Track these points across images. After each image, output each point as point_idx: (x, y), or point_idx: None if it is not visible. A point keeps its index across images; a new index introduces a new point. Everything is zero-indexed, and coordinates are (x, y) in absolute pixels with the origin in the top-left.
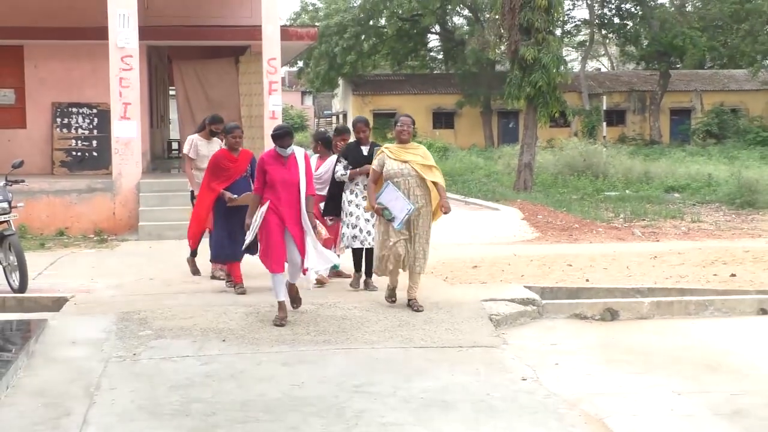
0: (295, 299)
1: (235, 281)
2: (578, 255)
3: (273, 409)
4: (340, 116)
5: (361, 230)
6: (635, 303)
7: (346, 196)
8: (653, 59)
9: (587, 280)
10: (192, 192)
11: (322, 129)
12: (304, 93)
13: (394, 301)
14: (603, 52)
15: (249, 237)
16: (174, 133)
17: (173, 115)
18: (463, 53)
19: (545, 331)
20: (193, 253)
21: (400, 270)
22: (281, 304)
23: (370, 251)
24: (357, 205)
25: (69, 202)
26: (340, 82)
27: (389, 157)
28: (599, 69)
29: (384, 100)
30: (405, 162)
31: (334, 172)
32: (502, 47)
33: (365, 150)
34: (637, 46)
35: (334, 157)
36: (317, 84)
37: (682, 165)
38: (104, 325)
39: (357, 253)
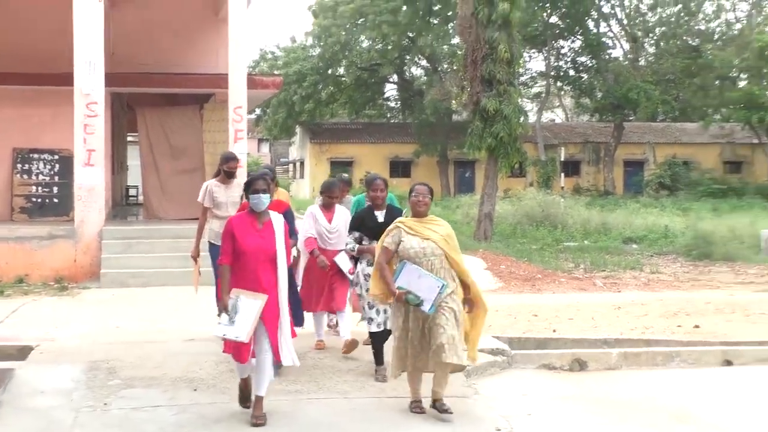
0: (254, 415)
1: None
2: (543, 305)
3: None
4: (297, 164)
5: (378, 311)
6: (603, 354)
7: (362, 267)
8: (607, 111)
9: (554, 331)
10: (210, 245)
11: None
12: (260, 140)
13: (420, 411)
14: (558, 104)
15: (237, 331)
16: (133, 180)
17: (131, 161)
18: (421, 103)
19: (515, 381)
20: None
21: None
22: (245, 383)
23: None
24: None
25: (29, 248)
26: (298, 130)
27: (407, 232)
28: (553, 120)
29: (341, 148)
30: (427, 239)
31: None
32: (464, 98)
33: (380, 216)
34: (592, 99)
35: (344, 210)
36: (275, 132)
37: (638, 216)
38: (72, 374)
39: (377, 339)
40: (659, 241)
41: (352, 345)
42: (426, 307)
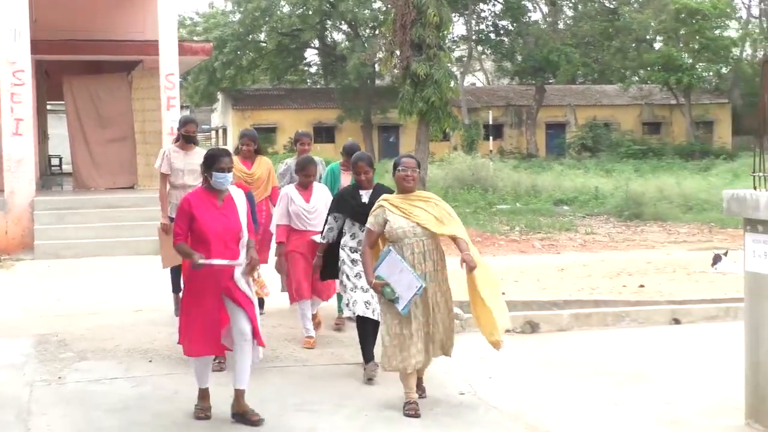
0: (252, 411)
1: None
2: None
3: (218, 430)
4: (220, 131)
5: (373, 295)
6: (555, 315)
7: (346, 253)
8: (528, 74)
9: (503, 294)
10: (170, 219)
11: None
12: (181, 107)
13: (416, 414)
14: (479, 68)
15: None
16: (54, 149)
17: (52, 130)
18: (344, 68)
19: (471, 344)
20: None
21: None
22: (203, 393)
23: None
24: (353, 261)
25: None
26: (220, 96)
27: (391, 211)
28: (474, 84)
29: (264, 114)
30: (415, 221)
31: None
32: (393, 63)
33: (365, 196)
34: (513, 62)
35: (324, 190)
36: (196, 99)
37: (566, 178)
38: (21, 348)
39: (364, 328)
40: (590, 203)
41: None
42: (400, 306)
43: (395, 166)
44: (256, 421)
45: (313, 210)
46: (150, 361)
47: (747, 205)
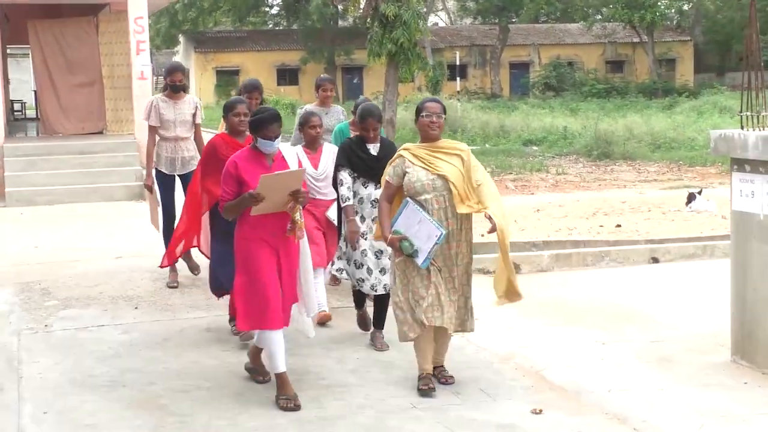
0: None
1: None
2: None
3: (212, 377)
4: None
5: (370, 270)
6: (535, 256)
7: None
8: (491, 14)
9: (482, 235)
10: (155, 174)
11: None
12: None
13: (430, 390)
14: (441, 7)
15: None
16: (20, 95)
17: (11, 75)
18: (306, 9)
19: None
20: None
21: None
22: (283, 379)
23: (384, 297)
24: (363, 234)
25: None
26: (181, 39)
27: (412, 162)
28: (437, 24)
29: (227, 57)
30: (438, 173)
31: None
32: (361, 4)
33: (373, 149)
34: (476, 1)
35: (333, 150)
36: (158, 42)
37: (534, 118)
38: (3, 297)
39: (360, 294)
40: (559, 143)
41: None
42: (420, 259)
43: (418, 111)
44: (293, 407)
45: (322, 177)
46: (136, 308)
47: (735, 145)
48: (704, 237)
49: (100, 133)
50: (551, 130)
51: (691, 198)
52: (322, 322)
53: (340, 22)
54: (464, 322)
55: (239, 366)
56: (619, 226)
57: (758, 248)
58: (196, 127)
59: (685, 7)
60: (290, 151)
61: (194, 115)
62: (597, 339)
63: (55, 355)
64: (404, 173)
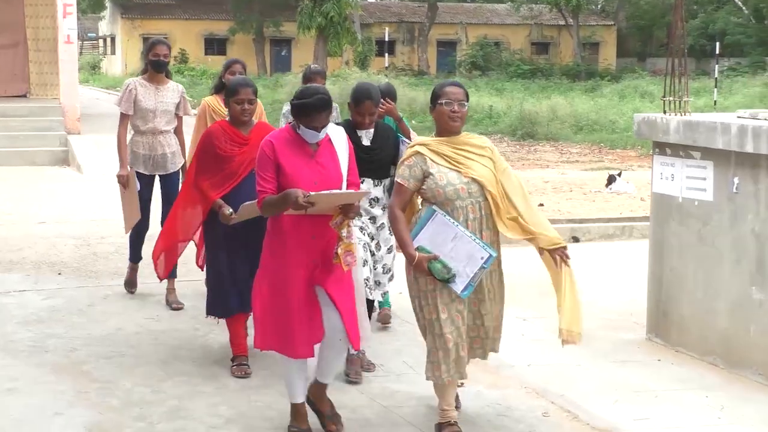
0: (333, 417)
1: (235, 351)
2: None
3: (135, 344)
4: (108, 39)
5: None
6: None
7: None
8: None
9: None
10: (127, 173)
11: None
12: None
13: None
14: None
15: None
16: None
17: None
18: None
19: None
20: (134, 258)
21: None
22: (299, 410)
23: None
24: (361, 229)
25: None
26: (108, 4)
27: (435, 162)
28: None
29: (154, 24)
30: (471, 174)
31: None
32: None
33: (366, 138)
34: None
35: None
36: (84, 5)
37: None
38: None
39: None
40: (484, 121)
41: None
42: (459, 287)
43: (435, 97)
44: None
45: None
46: (59, 274)
47: (657, 129)
48: (623, 218)
49: (24, 96)
50: (477, 109)
51: (611, 180)
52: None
53: None
54: (496, 346)
55: (163, 334)
56: (541, 205)
57: (676, 230)
58: (178, 120)
59: None
60: (339, 133)
61: (177, 105)
62: (518, 315)
63: None
64: (424, 175)
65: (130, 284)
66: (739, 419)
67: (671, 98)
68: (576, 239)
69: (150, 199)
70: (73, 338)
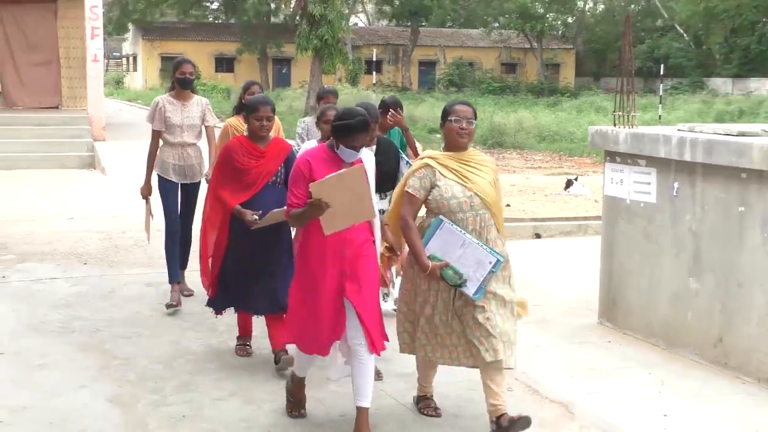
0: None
1: (240, 332)
2: None
3: (151, 326)
4: (130, 58)
5: None
6: None
7: None
8: (404, 17)
9: None
10: (159, 179)
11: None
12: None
13: (432, 411)
14: (361, 9)
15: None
16: None
17: None
18: (243, 5)
19: None
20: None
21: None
22: (298, 383)
23: None
24: None
25: None
26: (131, 27)
27: (443, 175)
28: (357, 24)
29: (171, 45)
30: (472, 188)
31: None
32: (292, 3)
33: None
34: (392, 5)
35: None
36: (110, 29)
37: (439, 110)
38: None
39: None
40: None
41: None
42: (470, 290)
43: (445, 114)
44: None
45: None
46: (85, 264)
47: (608, 139)
48: (579, 217)
49: (56, 107)
50: None
51: (569, 183)
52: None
53: (273, 19)
54: (507, 355)
55: (175, 317)
56: (508, 205)
57: (624, 228)
58: (208, 131)
59: (570, 20)
60: (368, 155)
61: (203, 119)
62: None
63: (11, 304)
64: (432, 186)
65: (171, 305)
66: (677, 392)
67: (621, 113)
68: (538, 235)
69: (178, 203)
70: (97, 320)
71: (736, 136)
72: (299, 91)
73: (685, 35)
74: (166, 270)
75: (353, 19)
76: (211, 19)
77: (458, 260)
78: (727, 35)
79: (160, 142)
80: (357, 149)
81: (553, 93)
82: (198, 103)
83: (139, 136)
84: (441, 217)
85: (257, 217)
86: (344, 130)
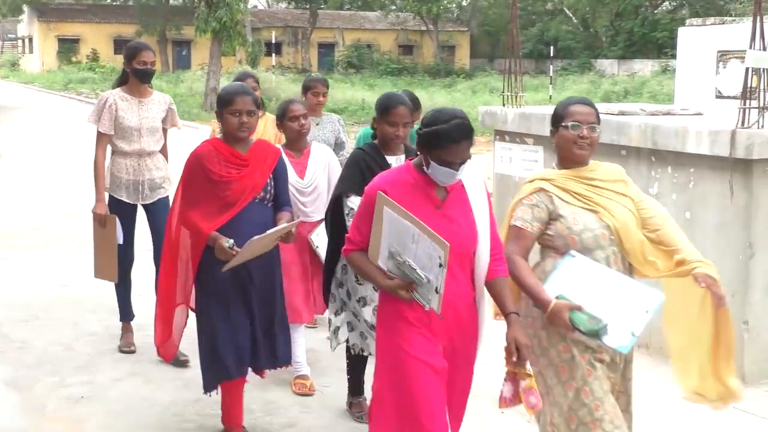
0: None
1: (227, 424)
2: None
3: (49, 308)
4: (26, 40)
5: (367, 322)
6: None
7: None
8: (303, 0)
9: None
10: (110, 199)
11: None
12: None
13: None
14: None
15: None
16: None
17: None
18: None
19: None
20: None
21: None
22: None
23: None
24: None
25: None
26: (25, 8)
27: (565, 201)
28: (256, 6)
29: (68, 26)
30: (606, 219)
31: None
32: None
33: (396, 164)
34: None
35: (322, 150)
36: (4, 10)
37: (338, 91)
38: None
39: (358, 363)
40: (358, 113)
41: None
42: (613, 340)
43: (558, 119)
44: None
45: (309, 190)
46: None
47: (497, 119)
48: None
49: None
50: (352, 102)
51: None
52: (303, 393)
53: (172, 0)
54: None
55: (74, 299)
56: None
57: None
58: (163, 134)
59: (464, 3)
60: (474, 175)
61: (164, 120)
62: None
63: None
64: (551, 217)
65: (127, 346)
66: None
67: (509, 93)
68: None
69: (133, 233)
70: None
71: (617, 115)
72: (199, 73)
73: (573, 18)
74: (63, 252)
75: (252, 1)
76: (108, 0)
77: (594, 302)
78: (612, 19)
79: (108, 150)
80: (456, 167)
81: (449, 74)
82: (160, 101)
83: (35, 119)
84: (574, 253)
85: (234, 246)
86: (435, 138)
